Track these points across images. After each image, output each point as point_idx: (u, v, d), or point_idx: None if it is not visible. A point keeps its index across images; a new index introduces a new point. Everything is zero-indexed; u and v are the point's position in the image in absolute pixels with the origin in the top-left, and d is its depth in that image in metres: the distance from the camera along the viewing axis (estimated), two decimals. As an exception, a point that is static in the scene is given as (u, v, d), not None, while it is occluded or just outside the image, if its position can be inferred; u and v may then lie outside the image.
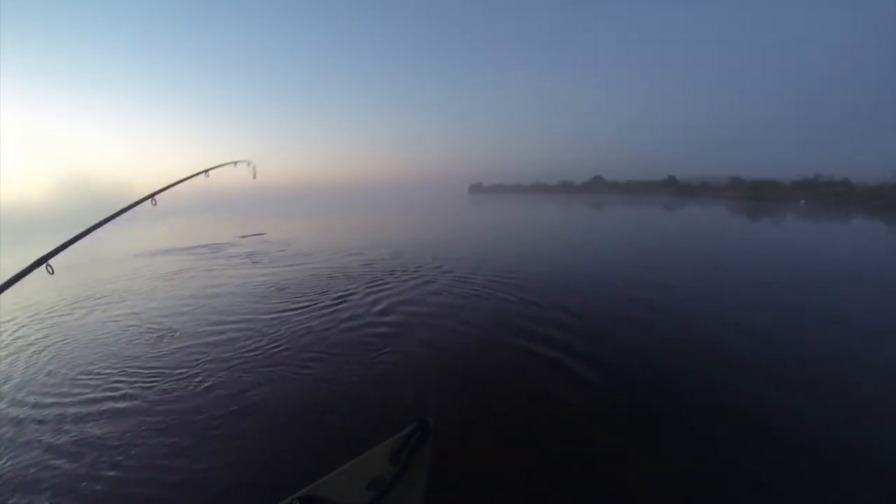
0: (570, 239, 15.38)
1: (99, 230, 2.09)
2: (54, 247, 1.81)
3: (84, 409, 3.63)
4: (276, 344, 4.87)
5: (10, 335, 5.91)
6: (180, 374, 4.21)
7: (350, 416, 3.37)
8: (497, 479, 2.67)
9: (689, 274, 8.45)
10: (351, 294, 7.00)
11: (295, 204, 64.43)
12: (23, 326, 6.30)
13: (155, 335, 5.45)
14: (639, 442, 3.01)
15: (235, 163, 3.45)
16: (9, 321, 6.62)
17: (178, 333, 5.47)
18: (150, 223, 29.17)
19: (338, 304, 6.44)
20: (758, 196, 46.84)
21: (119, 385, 4.04)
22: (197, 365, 4.39)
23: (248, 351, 4.71)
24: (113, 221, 2.23)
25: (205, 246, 15.33)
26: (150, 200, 2.44)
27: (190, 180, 2.92)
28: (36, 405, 3.76)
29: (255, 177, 3.60)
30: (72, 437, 3.23)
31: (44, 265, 1.73)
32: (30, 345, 5.43)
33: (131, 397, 3.80)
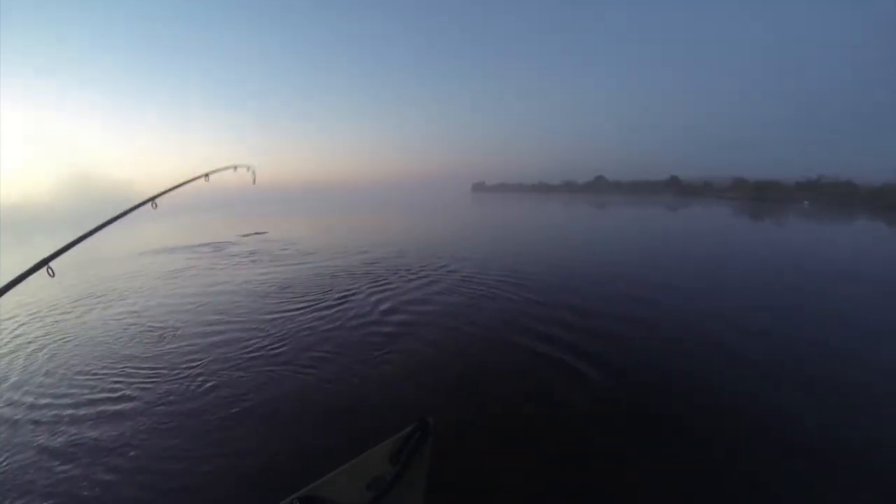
0: (574, 239, 15.36)
1: (98, 233, 2.10)
2: (55, 249, 1.81)
3: (82, 411, 3.61)
4: (276, 343, 4.88)
5: (9, 333, 5.92)
6: (180, 373, 4.21)
7: (350, 416, 3.38)
8: (497, 479, 2.67)
9: (691, 274, 8.44)
10: (353, 294, 6.99)
11: (296, 204, 64.47)
12: (23, 325, 6.31)
13: (156, 334, 5.46)
14: (638, 442, 3.01)
15: (235, 167, 3.44)
16: (9, 319, 6.63)
17: (178, 332, 5.47)
18: (152, 222, 29.22)
19: (340, 303, 6.43)
20: (761, 197, 46.73)
21: (118, 385, 4.04)
22: (197, 365, 4.40)
23: (248, 350, 4.72)
24: (114, 223, 2.25)
25: (207, 244, 15.36)
26: (150, 203, 2.45)
27: (190, 184, 2.93)
28: (32, 406, 3.73)
29: (254, 182, 3.54)
30: (68, 438, 3.21)
31: (45, 267, 1.74)
32: (29, 343, 5.43)
33: (130, 398, 3.79)
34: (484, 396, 3.67)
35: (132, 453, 3.00)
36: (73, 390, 3.99)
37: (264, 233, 18.85)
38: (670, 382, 3.85)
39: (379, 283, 7.62)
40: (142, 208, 2.41)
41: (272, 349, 4.72)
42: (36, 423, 3.46)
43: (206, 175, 3.02)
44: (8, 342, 5.54)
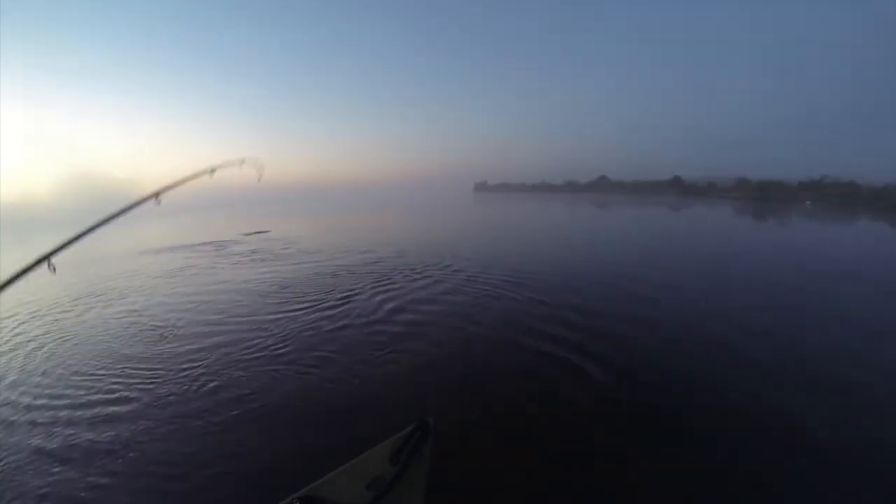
0: (576, 239, 15.33)
1: (102, 228, 2.08)
2: (56, 245, 1.80)
3: (80, 412, 3.58)
4: (278, 343, 4.87)
5: (9, 332, 5.92)
6: (180, 373, 4.21)
7: (351, 416, 3.37)
8: (497, 479, 2.67)
9: (694, 274, 8.43)
10: (355, 293, 6.97)
11: (296, 203, 64.51)
12: (22, 323, 6.31)
13: (156, 333, 5.45)
14: (639, 441, 3.01)
15: (242, 162, 3.28)
16: (9, 317, 6.64)
17: (179, 332, 5.47)
18: (154, 221, 29.30)
19: (342, 303, 6.41)
20: (763, 197, 46.65)
21: (117, 385, 4.02)
22: (198, 364, 4.39)
23: (249, 350, 4.71)
24: (117, 219, 2.22)
25: (208, 243, 15.37)
26: (154, 199, 2.41)
27: (194, 180, 2.86)
28: (30, 406, 3.70)
29: (260, 178, 3.38)
30: (65, 440, 3.18)
31: (46, 263, 1.72)
32: (29, 342, 5.43)
33: (130, 397, 3.78)
34: (487, 396, 3.67)
35: (132, 453, 3.00)
36: (70, 391, 3.96)
37: (267, 231, 18.87)
38: (671, 382, 3.84)
39: (381, 283, 7.61)
40: (145, 204, 2.38)
41: (273, 349, 4.71)
42: (33, 423, 3.43)
43: (212, 170, 2.91)
44: (8, 340, 5.54)
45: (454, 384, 3.88)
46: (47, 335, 5.65)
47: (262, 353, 4.61)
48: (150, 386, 3.96)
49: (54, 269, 1.72)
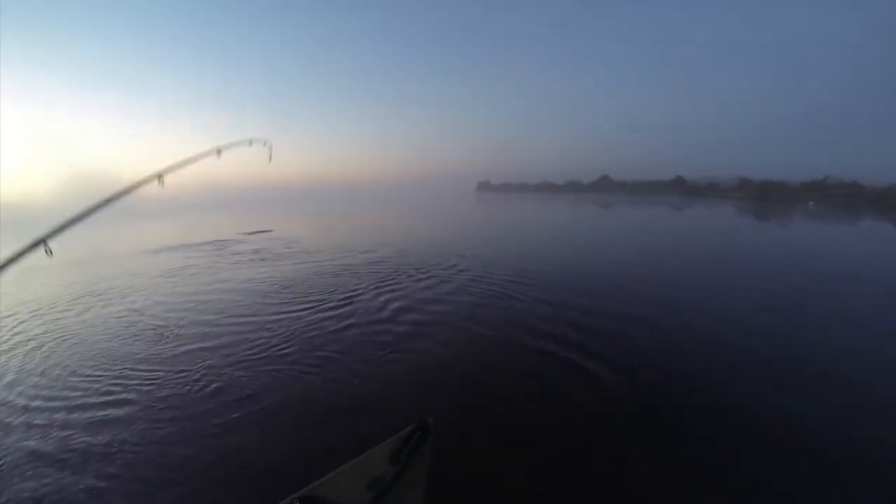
0: (579, 239, 15.33)
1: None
2: (53, 227, 1.73)
3: (78, 413, 3.54)
4: (278, 344, 4.85)
5: (9, 331, 5.91)
6: (180, 373, 4.20)
7: (350, 416, 3.37)
8: (497, 479, 2.67)
9: (696, 274, 8.44)
10: (357, 293, 6.95)
11: (297, 203, 64.53)
12: (22, 322, 6.31)
13: (156, 333, 5.45)
14: (639, 441, 3.01)
15: (250, 142, 3.11)
16: (9, 316, 6.65)
17: (179, 331, 5.47)
18: (155, 221, 29.37)
19: (344, 304, 6.39)
20: (766, 197, 46.58)
21: (116, 386, 4.00)
22: (198, 365, 4.38)
23: (250, 350, 4.70)
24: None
25: (210, 242, 15.34)
26: (157, 181, 2.26)
27: (200, 160, 2.63)
28: (26, 408, 3.66)
29: (270, 160, 3.22)
30: (62, 442, 3.13)
31: (42, 246, 1.66)
32: (28, 340, 5.43)
33: (129, 398, 3.77)
34: (486, 396, 3.67)
35: (131, 453, 2.99)
36: (66, 393, 3.92)
37: (269, 231, 18.87)
38: (672, 382, 3.84)
39: (384, 283, 7.59)
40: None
41: (274, 349, 4.71)
42: (28, 425, 3.39)
43: (218, 151, 2.75)
44: (7, 339, 5.54)
45: (454, 384, 3.88)
46: (47, 334, 5.65)
47: (262, 353, 4.60)
48: (150, 386, 3.95)
49: (51, 252, 1.66)
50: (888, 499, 2.52)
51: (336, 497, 1.65)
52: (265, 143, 3.20)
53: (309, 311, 6.03)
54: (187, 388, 3.88)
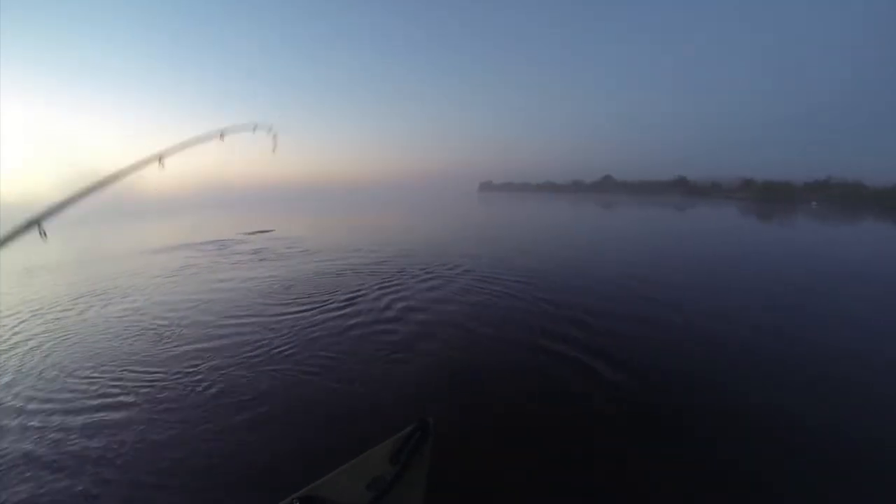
0: (581, 238, 15.31)
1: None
2: (47, 208, 1.69)
3: (77, 415, 3.51)
4: (279, 344, 4.85)
5: (8, 330, 5.91)
6: (180, 373, 4.20)
7: (350, 416, 3.37)
8: (497, 479, 2.67)
9: (697, 274, 8.44)
10: (359, 294, 6.93)
11: (297, 203, 64.53)
12: (23, 322, 6.31)
13: (156, 333, 5.45)
14: (639, 441, 3.01)
15: (254, 127, 3.05)
16: (10, 315, 6.66)
17: (180, 332, 5.47)
18: (155, 220, 29.42)
19: (345, 303, 6.39)
20: (769, 197, 46.45)
21: (116, 386, 3.99)
22: (198, 365, 4.38)
23: (250, 350, 4.71)
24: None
25: (211, 242, 15.35)
26: (157, 162, 2.20)
27: (202, 143, 2.59)
28: (21, 411, 3.62)
29: (274, 150, 3.17)
30: (60, 444, 3.11)
31: (36, 227, 1.62)
32: (27, 340, 5.43)
33: (129, 398, 3.77)
34: (486, 396, 3.67)
35: (131, 453, 2.99)
36: (64, 394, 3.89)
37: (270, 231, 18.88)
38: (672, 382, 3.84)
39: (386, 283, 7.58)
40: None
41: (275, 349, 4.71)
42: (25, 427, 3.36)
43: (221, 134, 2.71)
44: (6, 339, 5.54)
45: (454, 384, 3.88)
46: (47, 334, 5.65)
47: (263, 354, 4.60)
48: (150, 387, 3.95)
49: (45, 235, 1.62)
50: (888, 499, 2.51)
51: (336, 497, 1.65)
52: (270, 130, 3.15)
53: (310, 312, 6.03)
54: (187, 388, 3.88)
